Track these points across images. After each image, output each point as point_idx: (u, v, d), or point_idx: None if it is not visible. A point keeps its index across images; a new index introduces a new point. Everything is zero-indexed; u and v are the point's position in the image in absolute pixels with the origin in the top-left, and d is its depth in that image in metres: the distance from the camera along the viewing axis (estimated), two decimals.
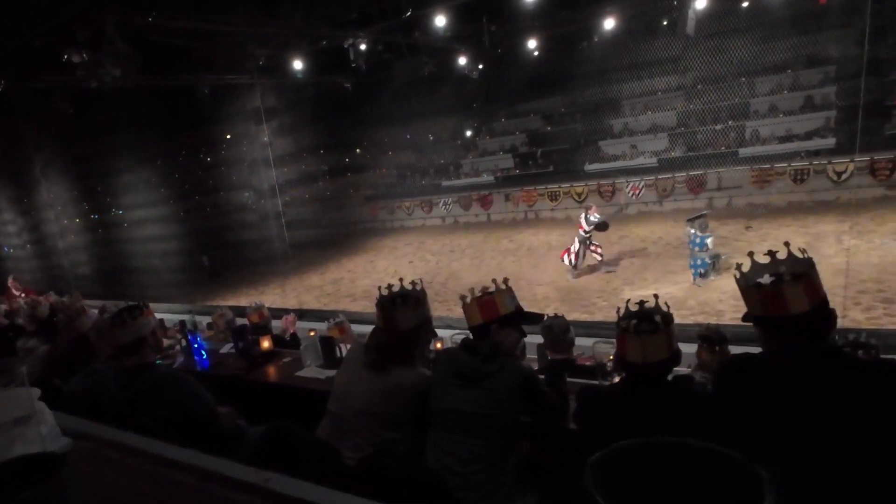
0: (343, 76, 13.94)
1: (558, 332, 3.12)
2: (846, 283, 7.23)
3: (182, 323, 4.99)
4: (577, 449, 1.97)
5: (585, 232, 9.67)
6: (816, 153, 13.06)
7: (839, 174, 12.31)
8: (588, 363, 3.10)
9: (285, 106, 15.28)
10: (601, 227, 9.71)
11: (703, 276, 8.65)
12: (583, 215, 9.77)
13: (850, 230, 9.96)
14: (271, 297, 12.13)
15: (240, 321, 4.35)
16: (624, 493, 0.69)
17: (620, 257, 10.62)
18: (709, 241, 8.78)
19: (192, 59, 10.55)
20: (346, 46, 10.66)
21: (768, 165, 13.15)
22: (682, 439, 0.75)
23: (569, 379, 2.47)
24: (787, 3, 11.41)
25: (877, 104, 12.83)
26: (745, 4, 12.47)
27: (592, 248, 9.91)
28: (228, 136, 17.16)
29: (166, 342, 4.04)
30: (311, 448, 2.14)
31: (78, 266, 17.25)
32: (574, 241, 9.85)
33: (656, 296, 1.91)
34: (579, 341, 3.42)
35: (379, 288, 2.42)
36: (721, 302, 7.45)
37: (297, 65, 11.64)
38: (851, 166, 12.14)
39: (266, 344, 3.55)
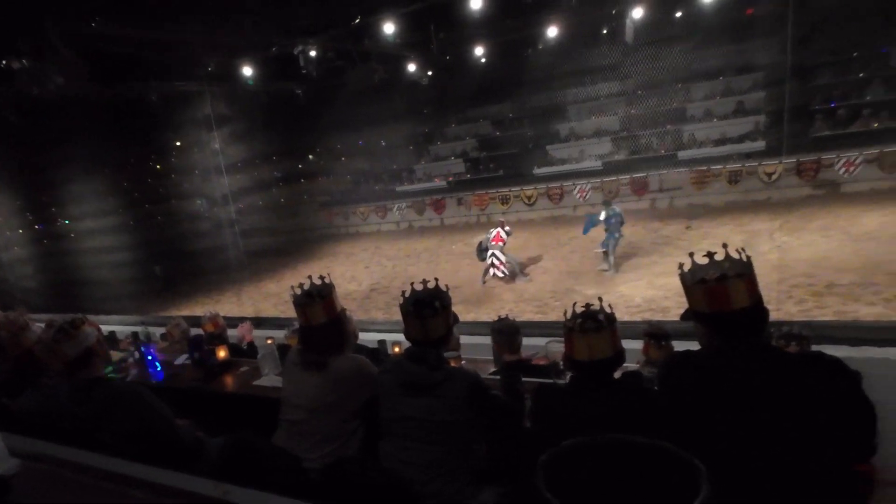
0: (294, 83, 13.73)
1: (508, 333, 3.17)
2: (780, 277, 7.56)
3: (135, 335, 4.79)
4: (534, 446, 2.00)
5: (503, 244, 9.85)
6: (749, 155, 13.60)
7: (769, 175, 12.88)
8: (543, 363, 3.14)
9: (236, 113, 14.92)
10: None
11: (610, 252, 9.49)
12: (499, 230, 9.91)
13: (781, 228, 10.44)
14: (227, 305, 11.81)
15: (195, 331, 4.22)
16: (573, 489, 0.71)
17: (570, 258, 10.83)
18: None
19: (140, 66, 10.19)
20: (296, 53, 10.52)
21: (705, 167, 13.64)
22: (625, 436, 0.78)
23: (525, 379, 2.50)
24: (717, 12, 11.87)
25: (801, 109, 13.50)
26: (678, 14, 12.94)
27: (499, 263, 9.97)
28: (178, 144, 16.63)
29: (119, 355, 3.89)
30: (273, 457, 2.12)
31: (24, 279, 16.39)
32: (493, 254, 9.95)
33: (600, 298, 1.97)
34: (535, 341, 3.47)
35: (292, 287, 2.47)
36: (667, 299, 7.66)
37: (248, 72, 11.41)
38: (780, 167, 12.72)
39: (222, 353, 3.44)
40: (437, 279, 2.33)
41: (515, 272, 9.93)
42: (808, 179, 12.53)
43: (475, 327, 4.72)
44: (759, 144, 13.79)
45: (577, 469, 0.77)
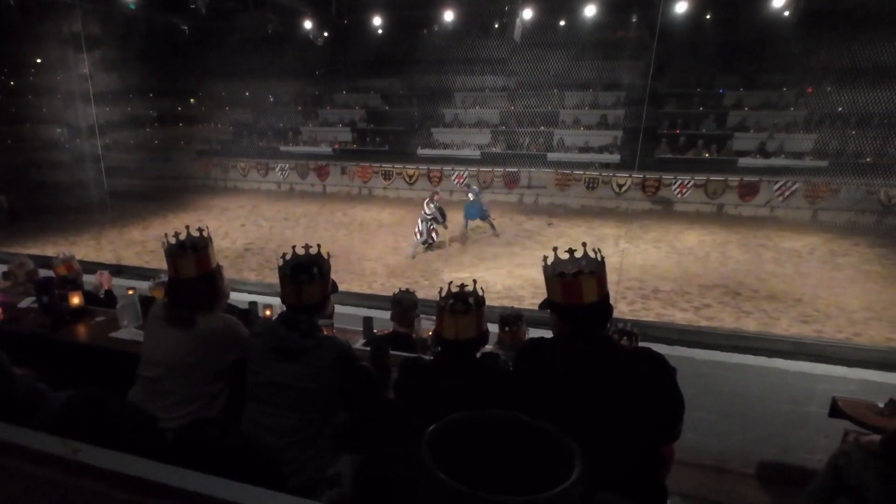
0: (181, 17, 12.47)
1: (407, 305, 3.18)
2: (618, 279, 8.33)
3: None
4: (397, 417, 2.06)
5: (427, 215, 10.00)
6: (606, 166, 14.68)
7: (620, 186, 14.03)
8: (413, 337, 3.21)
9: (112, 37, 13.13)
10: (440, 216, 10.14)
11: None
12: (427, 200, 10.11)
13: (624, 235, 11.47)
14: (84, 248, 10.54)
15: (44, 273, 3.73)
16: (455, 461, 0.74)
17: (443, 240, 11.06)
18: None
19: None
20: None
21: (569, 171, 14.52)
22: (512, 413, 0.82)
23: (393, 352, 2.53)
24: (594, 28, 12.57)
25: (651, 131, 14.85)
26: (562, 23, 13.56)
27: (433, 227, 10.17)
28: (39, 61, 14.38)
29: None
30: (124, 416, 1.94)
31: None
32: (418, 221, 10.10)
33: (475, 281, 2.04)
34: None
35: (165, 235, 2.27)
36: (523, 288, 8.06)
37: None
38: (629, 181, 13.91)
39: (76, 300, 3.05)
40: (319, 245, 2.26)
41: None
42: (650, 195, 13.85)
43: (346, 298, 4.69)
44: (615, 157, 14.94)
45: (458, 442, 0.80)
